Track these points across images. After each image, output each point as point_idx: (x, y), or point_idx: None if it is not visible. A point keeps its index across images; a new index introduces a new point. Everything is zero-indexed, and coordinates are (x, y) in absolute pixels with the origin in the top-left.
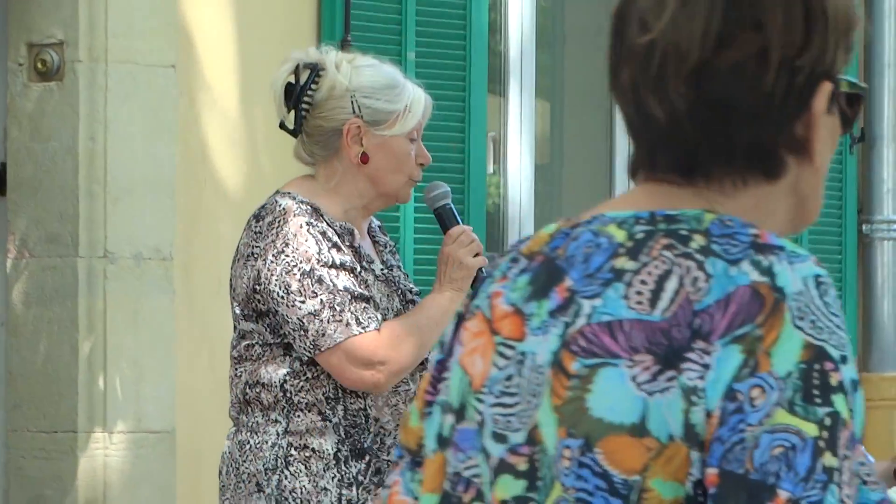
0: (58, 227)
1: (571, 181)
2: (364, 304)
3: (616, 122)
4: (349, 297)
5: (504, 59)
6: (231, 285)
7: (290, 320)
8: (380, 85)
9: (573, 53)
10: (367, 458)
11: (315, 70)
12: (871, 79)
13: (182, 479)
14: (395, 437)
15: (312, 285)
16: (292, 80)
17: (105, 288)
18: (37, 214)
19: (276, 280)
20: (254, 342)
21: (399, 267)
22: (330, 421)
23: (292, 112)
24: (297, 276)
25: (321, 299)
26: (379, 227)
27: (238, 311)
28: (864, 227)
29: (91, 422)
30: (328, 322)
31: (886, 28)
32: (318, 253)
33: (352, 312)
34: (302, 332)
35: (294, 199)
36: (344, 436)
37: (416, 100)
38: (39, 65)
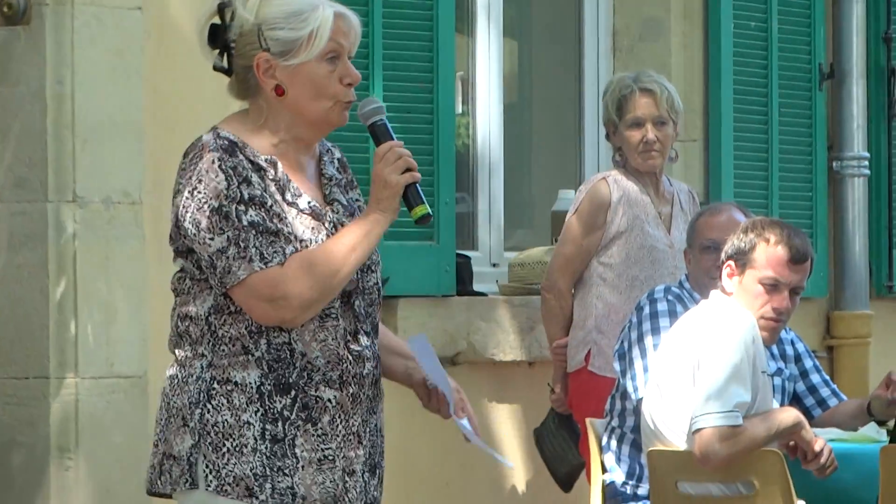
0: (26, 171)
1: (540, 120)
2: (272, 238)
3: (585, 58)
4: (254, 232)
5: None
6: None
7: (203, 258)
8: (284, 14)
9: None
10: (293, 392)
11: (231, 9)
12: (839, 14)
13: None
14: (323, 374)
15: (220, 222)
16: (218, 21)
17: (75, 232)
18: (5, 159)
19: (190, 218)
20: (185, 276)
21: (347, 203)
22: (252, 354)
23: (225, 53)
24: (207, 213)
25: (227, 236)
26: (339, 159)
27: (171, 248)
28: (834, 163)
29: (62, 367)
30: (234, 259)
31: None
32: (227, 188)
33: (256, 248)
34: (212, 270)
35: (215, 134)
36: (267, 370)
37: (323, 22)
38: (5, 8)
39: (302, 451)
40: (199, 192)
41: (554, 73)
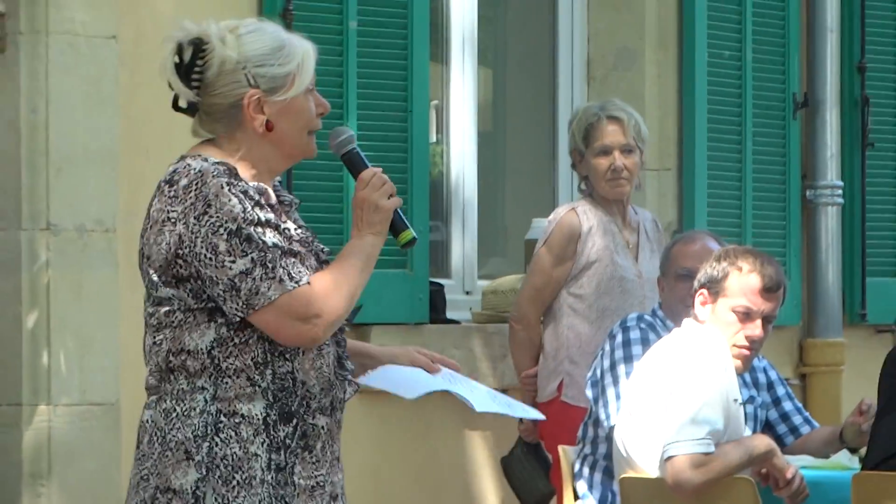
0: (0, 199)
1: (515, 148)
2: (293, 259)
3: (559, 87)
4: (279, 252)
5: (446, 27)
6: (143, 254)
7: (220, 281)
8: (268, 50)
9: (516, 20)
10: (294, 421)
11: (198, 46)
12: (813, 44)
13: (127, 451)
14: (319, 401)
15: (241, 244)
16: (176, 59)
17: (48, 260)
18: None
19: (202, 242)
20: (174, 308)
21: (306, 227)
22: (259, 386)
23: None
24: (224, 237)
25: (252, 257)
26: (279, 182)
27: (155, 278)
28: (808, 192)
29: (35, 394)
30: (261, 280)
31: None
32: (244, 211)
33: (283, 268)
34: (234, 293)
35: (208, 161)
36: (272, 400)
37: (305, 55)
38: None
39: (299, 479)
40: (211, 217)
41: (528, 102)
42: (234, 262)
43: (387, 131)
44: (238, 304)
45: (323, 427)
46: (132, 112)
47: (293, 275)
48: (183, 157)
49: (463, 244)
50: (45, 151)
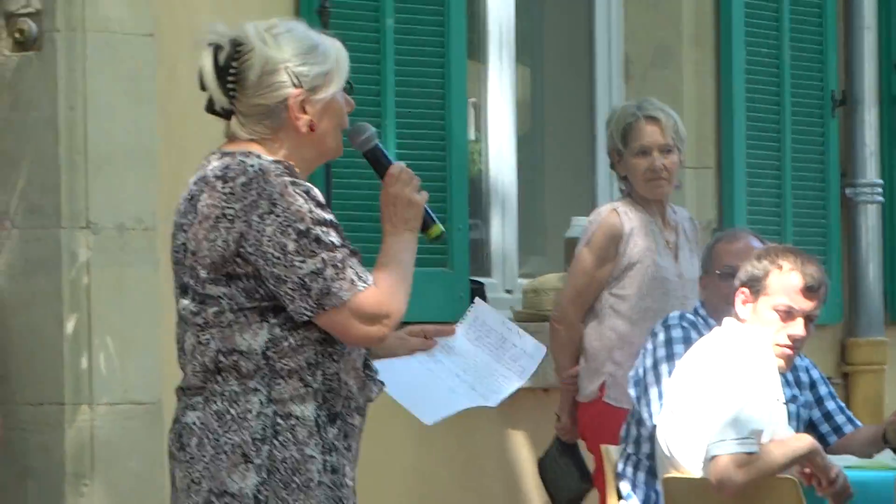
0: (40, 198)
1: (553, 146)
2: (356, 259)
3: (597, 85)
4: (347, 252)
5: (483, 25)
6: (186, 249)
7: (288, 279)
8: (306, 48)
9: (553, 18)
10: (338, 422)
11: (235, 48)
12: (851, 41)
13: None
14: (357, 401)
15: (311, 244)
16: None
17: (88, 259)
18: (18, 186)
19: (269, 241)
20: (222, 308)
21: None
22: (311, 387)
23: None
24: (293, 236)
25: (322, 258)
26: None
27: (204, 275)
28: (847, 190)
29: (77, 394)
30: (332, 280)
31: None
32: (310, 211)
33: (352, 268)
34: (304, 292)
35: (262, 159)
36: (322, 401)
37: (339, 52)
38: (17, 34)
39: (348, 479)
40: (278, 216)
41: (566, 100)
42: (303, 261)
43: (425, 129)
44: (308, 304)
45: (358, 426)
46: (170, 109)
47: (361, 275)
48: (226, 153)
49: (503, 242)
50: (84, 150)
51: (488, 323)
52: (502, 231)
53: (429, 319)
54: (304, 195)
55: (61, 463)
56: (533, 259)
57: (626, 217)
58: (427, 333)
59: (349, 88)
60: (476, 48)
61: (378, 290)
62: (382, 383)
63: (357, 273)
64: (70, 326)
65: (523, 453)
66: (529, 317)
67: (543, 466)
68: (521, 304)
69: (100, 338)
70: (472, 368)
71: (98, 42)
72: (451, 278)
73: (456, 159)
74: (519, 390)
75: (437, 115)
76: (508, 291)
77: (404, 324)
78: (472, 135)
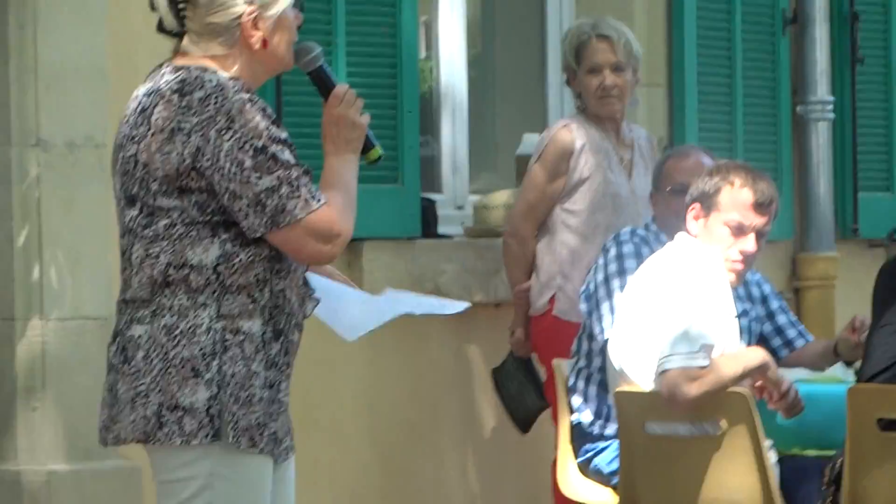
0: None
1: (504, 64)
2: (308, 178)
3: (547, 3)
4: (301, 171)
5: None
6: (135, 161)
7: (244, 196)
8: None
9: None
10: (281, 338)
11: None
12: None
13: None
14: (297, 318)
15: (267, 161)
16: None
17: (38, 176)
18: None
19: (227, 156)
20: (173, 220)
21: None
22: (258, 303)
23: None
24: (250, 153)
25: (277, 175)
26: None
27: (155, 187)
28: (798, 108)
29: (28, 309)
30: (287, 198)
31: None
32: (267, 129)
33: (306, 187)
34: (258, 208)
35: (220, 75)
36: (268, 317)
37: None
38: None
39: (282, 396)
40: (236, 132)
41: (517, 18)
42: (259, 178)
43: (376, 47)
44: (262, 220)
45: (296, 343)
46: (120, 28)
47: (314, 195)
48: (180, 68)
49: (454, 159)
50: (34, 68)
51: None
52: (453, 148)
53: (380, 235)
54: (261, 112)
55: (13, 378)
56: (484, 175)
57: (578, 133)
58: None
59: (300, 4)
60: None
61: (331, 209)
62: (318, 300)
63: (311, 192)
64: (20, 242)
65: (476, 368)
66: (480, 232)
67: (499, 382)
68: (471, 220)
69: (50, 253)
70: (387, 299)
71: None
72: (403, 194)
73: (407, 77)
74: (472, 305)
75: (389, 33)
76: (459, 207)
77: (354, 241)
78: (423, 53)
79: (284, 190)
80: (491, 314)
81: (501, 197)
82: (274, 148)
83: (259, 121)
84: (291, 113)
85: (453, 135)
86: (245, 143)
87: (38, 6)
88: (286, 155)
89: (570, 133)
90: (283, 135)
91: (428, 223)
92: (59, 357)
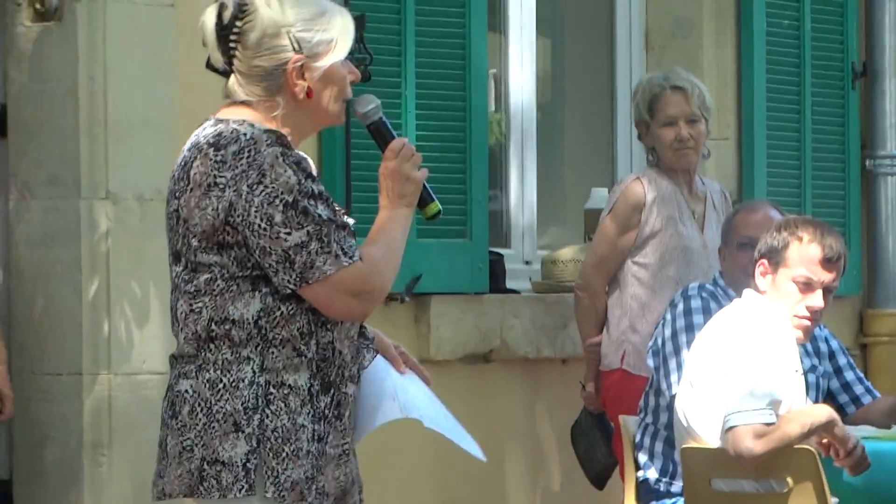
0: (59, 168)
1: (573, 118)
2: (345, 233)
3: (617, 56)
4: (334, 226)
5: None
6: (178, 217)
7: (273, 252)
8: (311, 15)
9: None
10: (332, 391)
11: (240, 7)
12: (871, 11)
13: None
14: (350, 369)
15: (297, 216)
16: (216, 20)
17: (108, 229)
18: (38, 156)
19: (257, 211)
20: (214, 276)
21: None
22: (304, 356)
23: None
24: (280, 208)
25: (308, 230)
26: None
27: (195, 244)
28: (867, 162)
29: (96, 364)
30: (316, 254)
31: None
32: (299, 183)
33: (337, 243)
34: (287, 265)
35: (255, 128)
36: (315, 370)
37: (346, 22)
38: (38, 5)
39: (329, 448)
40: (266, 187)
41: (586, 71)
42: (289, 234)
43: (445, 100)
44: (291, 277)
45: (351, 395)
46: (190, 80)
47: (346, 250)
48: (220, 121)
49: (522, 214)
50: (104, 121)
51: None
52: (521, 202)
53: (448, 290)
54: (295, 166)
55: (79, 433)
56: (552, 231)
57: (650, 185)
58: (408, 362)
59: (369, 59)
60: (496, 19)
61: (363, 265)
62: (376, 351)
63: (343, 248)
64: (89, 296)
65: (544, 423)
66: (547, 287)
67: (574, 437)
68: (539, 275)
69: (118, 308)
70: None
71: (118, 12)
72: (471, 249)
73: (476, 130)
74: (541, 361)
75: (458, 86)
76: (527, 262)
77: (422, 295)
78: (492, 106)
79: (314, 245)
80: (558, 369)
81: (569, 252)
82: (305, 202)
83: (290, 175)
84: (359, 167)
85: (522, 189)
86: (275, 197)
87: (108, 58)
88: (319, 209)
89: (642, 186)
90: (318, 188)
91: (496, 278)
92: (125, 412)
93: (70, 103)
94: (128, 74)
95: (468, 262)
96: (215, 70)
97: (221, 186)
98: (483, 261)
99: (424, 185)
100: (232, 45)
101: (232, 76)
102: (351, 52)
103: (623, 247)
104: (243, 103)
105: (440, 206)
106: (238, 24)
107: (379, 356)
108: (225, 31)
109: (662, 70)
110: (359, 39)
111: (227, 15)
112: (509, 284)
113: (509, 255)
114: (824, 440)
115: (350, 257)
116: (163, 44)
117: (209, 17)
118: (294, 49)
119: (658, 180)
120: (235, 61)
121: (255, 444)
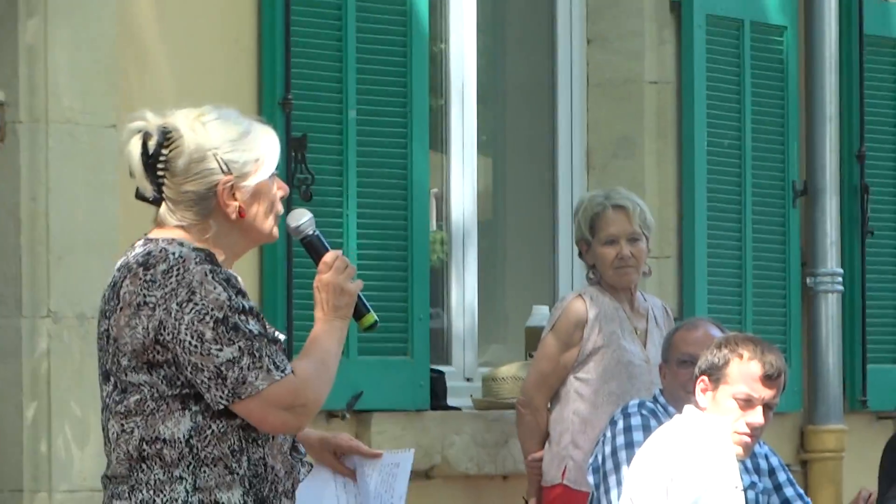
0: (1, 287)
1: (514, 236)
2: (276, 347)
3: (559, 176)
4: (265, 341)
5: (445, 115)
6: (108, 336)
7: (205, 369)
8: (236, 135)
9: (514, 108)
10: None
11: (164, 135)
12: (812, 131)
13: None
14: (284, 484)
15: (228, 332)
16: (141, 149)
17: (49, 348)
18: None
19: (187, 329)
20: (144, 396)
21: None
22: (236, 474)
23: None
24: (211, 324)
25: (239, 346)
26: None
27: (125, 363)
28: (808, 279)
29: (36, 481)
30: (248, 369)
31: (827, 82)
32: (229, 299)
33: (269, 357)
34: (220, 381)
35: (185, 246)
36: (248, 486)
37: (270, 138)
38: None
39: None
40: (196, 304)
41: (528, 190)
42: (220, 350)
43: (387, 219)
44: (223, 393)
45: None
46: (131, 200)
47: (278, 364)
48: (150, 240)
49: (463, 331)
50: (46, 240)
51: (394, 473)
52: (462, 320)
53: (389, 408)
54: (224, 283)
55: None
56: (493, 348)
57: (591, 302)
58: (357, 452)
59: (311, 179)
60: (438, 137)
61: (295, 378)
62: (311, 464)
63: (274, 362)
64: (30, 414)
65: None
66: (488, 405)
67: None
68: (480, 392)
69: (59, 427)
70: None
71: (61, 133)
72: (412, 367)
73: (417, 249)
74: (483, 477)
75: (400, 205)
76: (468, 380)
77: (363, 412)
78: (433, 224)
79: (246, 361)
80: (500, 486)
81: (510, 369)
82: (236, 318)
83: (220, 291)
84: (301, 284)
85: (463, 306)
86: (206, 314)
87: (50, 179)
88: (250, 325)
89: (584, 303)
90: (249, 304)
91: (437, 395)
92: None
93: (12, 223)
94: (70, 194)
95: (409, 379)
96: (145, 199)
97: (151, 305)
98: (424, 378)
99: (360, 297)
100: (160, 173)
101: (163, 204)
102: (291, 173)
103: (565, 363)
104: (178, 227)
105: (376, 317)
106: (164, 151)
107: (317, 467)
108: (151, 160)
109: (604, 189)
110: (300, 160)
111: (153, 143)
112: (450, 401)
113: (450, 372)
114: None
115: (282, 371)
116: (104, 164)
117: (134, 147)
118: (222, 171)
119: (600, 297)
120: (165, 189)
121: None
